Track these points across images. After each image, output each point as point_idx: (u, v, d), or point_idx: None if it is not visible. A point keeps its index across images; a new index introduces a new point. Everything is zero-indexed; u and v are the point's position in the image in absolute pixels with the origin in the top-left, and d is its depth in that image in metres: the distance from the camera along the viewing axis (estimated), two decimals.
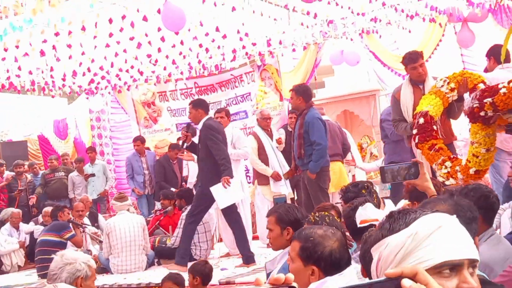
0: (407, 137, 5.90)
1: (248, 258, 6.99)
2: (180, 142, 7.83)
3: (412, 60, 5.92)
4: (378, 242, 1.39)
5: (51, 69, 9.54)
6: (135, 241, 7.49)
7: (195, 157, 7.61)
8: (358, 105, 13.06)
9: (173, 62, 10.33)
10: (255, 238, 8.38)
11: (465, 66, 10.48)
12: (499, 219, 5.39)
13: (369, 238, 1.50)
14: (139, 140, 10.93)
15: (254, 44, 10.22)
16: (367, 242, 1.52)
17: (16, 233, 9.55)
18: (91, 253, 8.14)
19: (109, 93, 12.48)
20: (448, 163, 5.26)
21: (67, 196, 11.42)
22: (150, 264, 7.81)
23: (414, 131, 5.48)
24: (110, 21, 7.50)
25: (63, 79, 10.42)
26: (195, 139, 7.61)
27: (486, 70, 5.96)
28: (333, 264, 2.54)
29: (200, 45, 9.39)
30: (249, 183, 9.34)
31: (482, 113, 4.75)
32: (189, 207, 7.91)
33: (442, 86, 5.48)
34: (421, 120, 5.39)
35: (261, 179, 8.34)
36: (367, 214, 3.03)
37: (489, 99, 4.65)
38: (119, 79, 11.17)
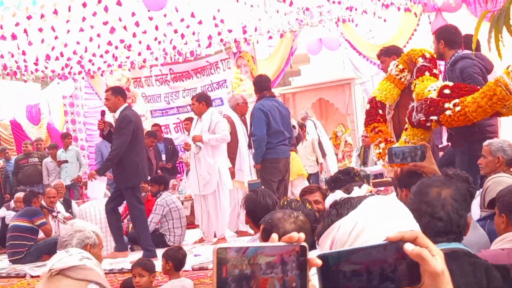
0: None
1: (149, 253, 6.87)
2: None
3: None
4: (328, 229, 1.48)
5: (23, 53, 9.39)
6: (106, 227, 7.43)
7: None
8: (333, 94, 13.14)
9: (148, 48, 10.25)
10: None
11: None
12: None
13: (317, 231, 1.57)
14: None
15: (230, 31, 10.18)
16: (317, 235, 1.58)
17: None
18: None
19: (82, 78, 12.34)
20: (382, 145, 5.53)
21: (41, 182, 11.30)
22: None
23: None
24: (84, 5, 7.41)
25: (36, 64, 10.28)
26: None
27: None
28: None
29: (175, 31, 9.32)
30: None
31: (427, 124, 5.00)
32: (164, 193, 7.92)
33: (392, 69, 5.69)
34: (367, 106, 5.84)
35: None
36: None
37: (435, 117, 4.89)
38: (93, 64, 11.05)
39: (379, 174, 8.69)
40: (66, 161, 11.30)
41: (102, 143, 10.91)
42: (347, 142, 12.73)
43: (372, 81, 12.59)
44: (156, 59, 11.03)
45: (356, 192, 3.13)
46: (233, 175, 7.89)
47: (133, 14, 7.94)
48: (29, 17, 7.34)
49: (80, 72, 11.54)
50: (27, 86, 13.80)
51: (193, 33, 9.87)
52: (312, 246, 2.60)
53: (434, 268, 1.05)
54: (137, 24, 8.34)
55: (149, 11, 7.68)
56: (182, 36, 9.69)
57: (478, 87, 4.79)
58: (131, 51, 10.37)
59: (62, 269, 3.23)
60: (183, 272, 5.37)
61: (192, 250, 7.06)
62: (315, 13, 10.53)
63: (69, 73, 11.42)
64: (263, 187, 4.98)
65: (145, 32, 9.03)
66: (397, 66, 5.66)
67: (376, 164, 7.95)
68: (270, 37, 10.89)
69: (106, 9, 7.51)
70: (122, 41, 9.39)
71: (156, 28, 8.82)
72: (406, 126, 5.35)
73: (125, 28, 8.56)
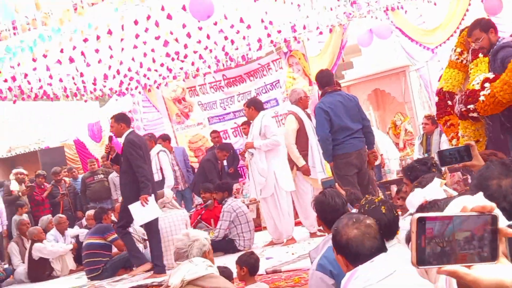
0: None
1: (159, 269, 7.09)
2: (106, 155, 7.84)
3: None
4: None
5: (81, 75, 9.67)
6: (168, 238, 7.49)
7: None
8: (388, 83, 12.96)
9: (200, 57, 10.37)
10: (298, 224, 8.33)
11: None
12: None
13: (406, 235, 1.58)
14: (161, 139, 11.00)
15: (279, 32, 10.18)
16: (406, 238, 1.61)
17: (62, 238, 9.73)
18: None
19: (139, 92, 12.60)
20: (454, 141, 5.48)
21: (109, 197, 11.60)
22: None
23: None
24: (136, 22, 7.56)
25: (94, 83, 10.56)
26: None
27: None
28: (353, 253, 2.53)
29: (226, 38, 9.40)
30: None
31: (470, 114, 5.06)
32: (229, 200, 8.00)
33: (451, 55, 5.60)
34: (436, 99, 5.70)
35: None
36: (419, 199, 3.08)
37: (472, 106, 4.96)
38: (148, 78, 11.26)
39: None
40: None
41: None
42: (407, 131, 12.51)
43: (427, 67, 12.37)
44: (209, 66, 11.14)
45: (429, 187, 3.10)
46: (308, 172, 7.74)
47: (184, 26, 8.06)
48: (85, 40, 7.56)
49: (136, 87, 11.78)
50: (86, 105, 14.22)
51: (243, 38, 9.93)
52: (381, 250, 2.58)
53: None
54: (188, 35, 8.46)
55: (199, 21, 7.77)
56: (232, 41, 9.77)
57: None
58: (185, 62, 10.52)
59: (192, 279, 3.37)
60: (258, 276, 5.41)
61: (263, 254, 7.10)
62: (362, 4, 10.40)
63: (126, 89, 11.67)
64: (336, 184, 4.96)
65: (199, 42, 9.14)
66: (455, 50, 5.56)
67: None
68: (321, 33, 10.82)
69: (157, 24, 7.65)
70: (177, 53, 9.54)
71: (208, 37, 8.92)
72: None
73: (176, 40, 8.70)
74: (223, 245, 7.81)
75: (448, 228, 1.07)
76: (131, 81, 11.13)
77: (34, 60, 7.82)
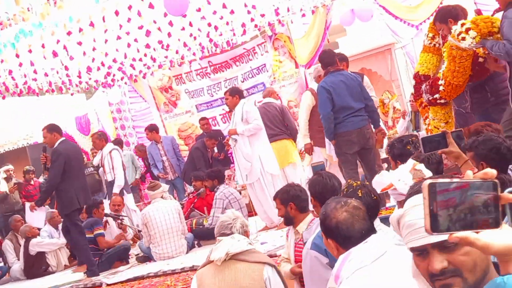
0: None
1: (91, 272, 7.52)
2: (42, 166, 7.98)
3: None
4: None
5: (66, 68, 9.59)
6: (172, 228, 7.57)
7: None
8: (374, 62, 12.96)
9: (185, 45, 10.31)
10: None
11: (478, 7, 10.27)
12: None
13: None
14: (147, 129, 10.95)
15: (262, 15, 10.14)
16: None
17: (56, 233, 9.70)
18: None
19: (125, 83, 12.52)
20: (427, 120, 5.84)
21: (100, 190, 11.53)
22: (190, 247, 7.92)
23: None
24: (117, 13, 7.50)
25: (79, 76, 10.48)
26: None
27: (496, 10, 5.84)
28: (344, 236, 2.54)
29: (209, 24, 9.35)
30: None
31: (438, 101, 5.49)
32: (221, 187, 8.01)
33: (424, 40, 5.88)
34: (413, 82, 6.01)
35: (315, 141, 7.99)
36: (383, 181, 3.22)
37: (437, 95, 5.42)
38: (133, 68, 11.19)
39: None
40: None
41: (151, 146, 11.10)
42: (395, 108, 12.53)
43: (413, 44, 12.35)
44: (194, 54, 11.08)
45: (398, 170, 3.18)
46: (310, 151, 7.96)
47: (166, 15, 7.99)
48: (69, 33, 7.49)
49: (122, 78, 11.70)
50: (73, 98, 14.09)
51: (227, 23, 9.86)
52: (371, 231, 2.59)
53: None
54: (171, 23, 8.40)
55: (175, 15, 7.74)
56: (216, 28, 9.71)
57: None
58: (169, 51, 10.45)
59: (235, 253, 3.58)
60: None
61: (257, 239, 7.11)
62: None
63: (112, 80, 11.59)
64: (337, 161, 5.11)
65: (183, 29, 9.08)
66: (427, 35, 5.79)
67: None
68: (303, 15, 10.78)
69: (139, 13, 7.60)
70: (160, 42, 9.48)
71: (190, 24, 8.86)
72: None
73: (159, 29, 8.64)
74: None
75: (459, 194, 1.11)
76: (117, 71, 11.05)
77: (17, 56, 7.75)
